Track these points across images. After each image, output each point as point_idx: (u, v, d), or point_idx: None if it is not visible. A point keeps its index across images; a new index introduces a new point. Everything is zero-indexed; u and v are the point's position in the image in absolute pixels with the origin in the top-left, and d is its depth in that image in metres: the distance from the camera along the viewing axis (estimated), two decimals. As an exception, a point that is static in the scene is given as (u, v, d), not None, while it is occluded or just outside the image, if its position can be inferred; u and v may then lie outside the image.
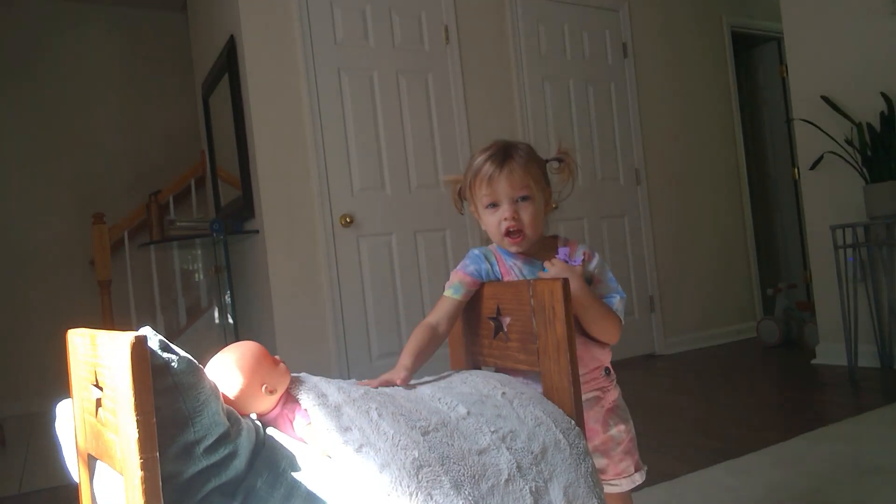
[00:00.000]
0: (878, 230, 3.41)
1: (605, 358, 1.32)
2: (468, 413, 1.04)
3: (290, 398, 1.05)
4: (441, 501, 0.89)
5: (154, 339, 0.86)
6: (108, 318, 4.07)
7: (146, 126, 5.10)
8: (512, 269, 1.30)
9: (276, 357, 1.08)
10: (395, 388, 1.14)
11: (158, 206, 4.25)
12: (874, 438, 2.31)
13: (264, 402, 1.04)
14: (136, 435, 0.75)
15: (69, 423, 1.03)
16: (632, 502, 1.35)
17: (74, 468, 1.03)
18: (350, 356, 3.44)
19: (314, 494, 0.92)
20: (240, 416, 0.97)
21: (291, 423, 1.03)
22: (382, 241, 3.60)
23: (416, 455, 0.93)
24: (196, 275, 4.85)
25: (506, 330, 1.24)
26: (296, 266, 3.39)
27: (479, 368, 1.33)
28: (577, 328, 1.24)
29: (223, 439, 0.90)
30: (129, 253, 4.43)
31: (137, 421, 0.75)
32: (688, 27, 4.86)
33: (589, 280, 1.26)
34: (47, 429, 2.71)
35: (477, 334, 1.33)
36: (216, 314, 4.47)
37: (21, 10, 4.79)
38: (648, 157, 4.56)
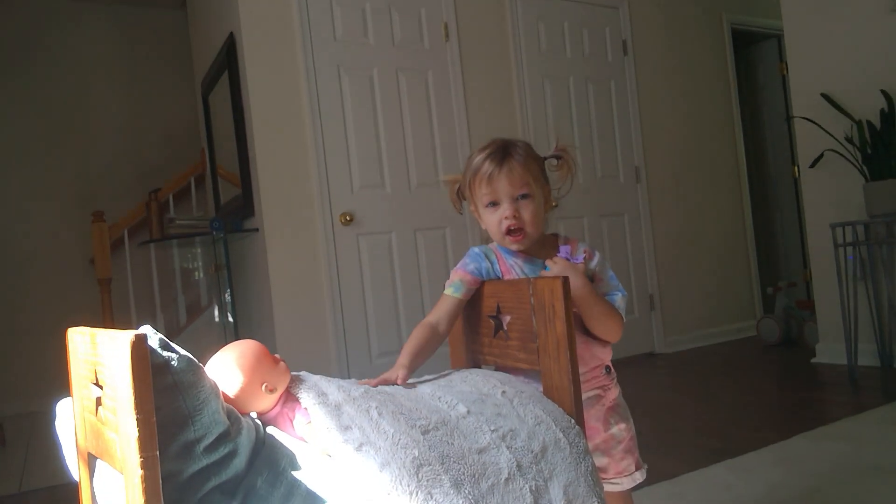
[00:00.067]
0: (879, 228, 3.41)
1: (606, 356, 1.32)
2: (468, 412, 1.04)
3: (290, 397, 1.05)
4: (441, 500, 0.89)
5: (154, 338, 0.86)
6: (108, 317, 4.07)
7: (146, 124, 5.10)
8: (513, 268, 1.30)
9: (276, 356, 1.08)
10: (396, 386, 1.14)
11: (158, 204, 4.25)
12: (874, 437, 2.31)
13: (264, 401, 1.04)
14: (137, 434, 0.75)
15: (69, 421, 1.03)
16: (632, 501, 1.36)
17: (74, 467, 1.03)
18: (350, 355, 3.44)
19: (314, 493, 0.92)
20: (240, 415, 0.97)
21: (291, 421, 1.03)
22: (382, 239, 3.60)
23: (416, 454, 0.92)
24: (196, 273, 4.85)
25: (506, 328, 1.24)
26: (296, 264, 3.39)
27: (479, 367, 1.33)
28: (577, 326, 1.24)
29: (223, 438, 0.90)
30: (128, 251, 4.43)
31: (137, 420, 0.75)
32: (688, 24, 4.85)
33: (590, 278, 1.26)
34: (47, 427, 2.71)
35: (477, 333, 1.33)
36: (216, 312, 4.46)
37: (20, 7, 4.78)
38: (648, 155, 4.56)
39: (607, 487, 1.30)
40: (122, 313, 4.32)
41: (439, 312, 1.30)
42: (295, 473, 0.94)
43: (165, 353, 0.85)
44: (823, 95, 3.52)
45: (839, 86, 3.51)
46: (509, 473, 0.97)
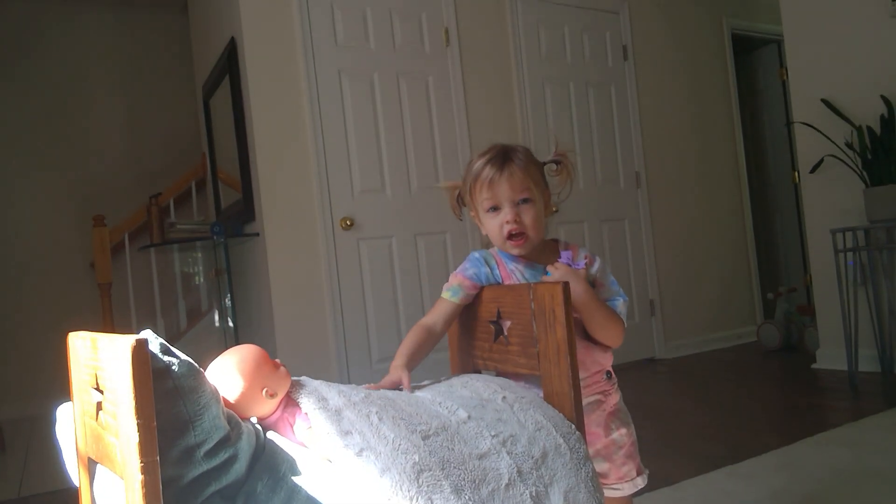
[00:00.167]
0: (879, 234, 3.41)
1: (607, 361, 1.32)
2: (469, 417, 1.04)
3: (290, 402, 1.05)
4: (442, 506, 0.89)
5: (155, 343, 0.86)
6: (109, 321, 4.07)
7: (147, 128, 5.11)
8: (513, 273, 1.30)
9: (277, 360, 1.08)
10: (396, 391, 1.14)
11: (159, 208, 4.25)
12: (875, 443, 2.30)
13: (265, 406, 1.04)
14: (137, 438, 0.75)
15: (69, 426, 1.03)
16: (633, 507, 1.35)
17: (74, 472, 1.03)
18: (350, 359, 3.44)
19: (314, 498, 0.92)
20: (240, 420, 0.97)
21: (292, 426, 1.03)
22: (383, 243, 3.60)
23: (417, 459, 0.92)
24: (196, 277, 4.85)
25: (506, 333, 1.24)
26: (296, 269, 3.39)
27: (480, 372, 1.33)
28: (578, 331, 1.24)
29: (223, 443, 0.90)
30: (129, 255, 4.43)
31: (138, 424, 0.75)
32: (688, 30, 4.86)
33: (591, 284, 1.26)
34: (47, 432, 2.70)
35: (477, 338, 1.33)
36: (216, 317, 4.46)
37: (21, 11, 4.79)
38: (649, 160, 4.57)
39: (608, 493, 1.30)
40: (123, 317, 4.32)
41: (435, 315, 1.30)
42: (295, 478, 0.93)
43: (166, 358, 0.85)
44: (823, 101, 3.52)
45: (839, 91, 3.51)
46: (510, 479, 0.96)
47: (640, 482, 1.33)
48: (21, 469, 3.09)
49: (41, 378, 4.34)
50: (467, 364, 1.37)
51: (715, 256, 4.81)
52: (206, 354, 1.15)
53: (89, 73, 4.97)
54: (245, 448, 0.93)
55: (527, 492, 0.96)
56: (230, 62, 3.55)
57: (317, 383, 1.09)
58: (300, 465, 0.95)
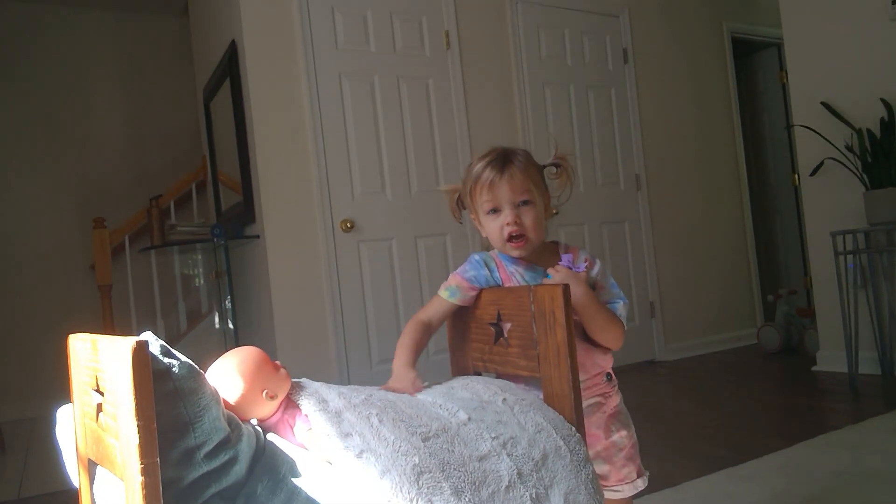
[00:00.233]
0: (879, 237, 3.41)
1: (607, 364, 1.32)
2: (469, 419, 1.04)
3: (290, 404, 1.05)
4: (442, 508, 0.89)
5: (155, 344, 0.86)
6: (109, 323, 4.07)
7: (147, 130, 5.11)
8: (513, 276, 1.30)
9: (277, 362, 1.08)
10: (398, 394, 1.14)
11: (159, 210, 4.26)
12: (875, 445, 2.30)
13: (265, 408, 1.04)
14: (137, 440, 0.75)
15: (70, 427, 1.03)
16: (633, 509, 1.35)
17: (74, 473, 1.03)
18: (350, 361, 3.44)
19: (314, 500, 0.92)
20: (240, 422, 0.97)
21: (292, 428, 1.03)
22: (383, 245, 3.60)
23: (417, 461, 0.92)
24: (196, 279, 4.85)
25: (506, 336, 1.24)
26: (296, 271, 3.39)
27: (480, 374, 1.33)
28: (578, 334, 1.25)
29: (224, 445, 0.90)
30: (129, 257, 4.43)
31: (138, 426, 0.75)
32: (688, 33, 4.87)
33: (592, 286, 1.26)
34: (47, 433, 2.71)
35: (477, 340, 1.33)
36: (217, 319, 4.46)
37: (22, 12, 4.80)
38: (649, 162, 4.57)
39: (609, 495, 1.30)
40: (123, 319, 4.32)
41: (431, 312, 1.32)
42: (295, 480, 0.93)
43: (166, 360, 0.85)
44: (823, 104, 3.52)
45: (839, 94, 3.52)
46: (510, 481, 0.96)
47: (641, 484, 1.33)
48: (21, 470, 3.09)
49: (41, 379, 4.34)
50: (467, 366, 1.37)
51: (715, 258, 4.82)
52: (206, 356, 1.16)
53: (90, 76, 4.98)
54: (245, 450, 0.93)
55: (527, 494, 0.96)
56: (231, 65, 3.56)
57: (317, 385, 1.09)
58: (300, 466, 0.95)
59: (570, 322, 1.10)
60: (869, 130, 3.31)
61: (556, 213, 3.92)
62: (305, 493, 0.92)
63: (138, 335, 0.84)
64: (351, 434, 0.96)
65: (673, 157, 4.69)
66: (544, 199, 1.30)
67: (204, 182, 4.76)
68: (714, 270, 4.80)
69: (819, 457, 2.24)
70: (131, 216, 4.65)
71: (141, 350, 0.76)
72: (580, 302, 1.21)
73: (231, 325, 3.85)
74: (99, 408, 0.88)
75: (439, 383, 1.24)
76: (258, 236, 3.43)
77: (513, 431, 1.04)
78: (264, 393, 1.03)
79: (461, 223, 1.44)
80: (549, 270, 1.25)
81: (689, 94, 4.82)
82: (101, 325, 4.10)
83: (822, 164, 3.55)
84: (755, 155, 5.69)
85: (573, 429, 1.09)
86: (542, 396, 1.16)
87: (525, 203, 1.25)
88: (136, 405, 0.75)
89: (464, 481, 0.93)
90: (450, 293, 1.31)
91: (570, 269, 1.24)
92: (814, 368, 3.71)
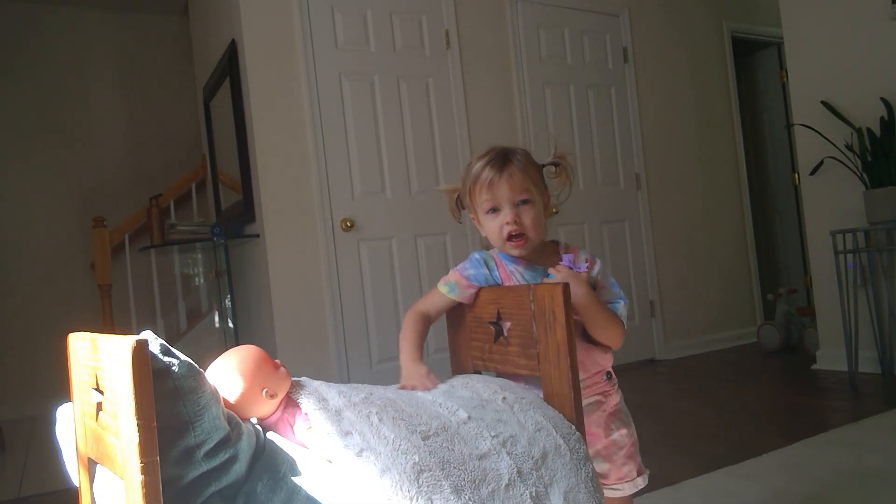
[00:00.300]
0: (879, 236, 3.41)
1: (607, 362, 1.32)
2: (469, 418, 1.04)
3: (290, 402, 1.05)
4: (441, 506, 0.89)
5: (155, 343, 0.86)
6: (109, 322, 4.07)
7: (147, 130, 5.11)
8: (513, 275, 1.30)
9: (277, 361, 1.08)
10: (398, 392, 1.14)
11: (159, 209, 4.26)
12: (875, 444, 2.30)
13: (265, 407, 1.04)
14: (137, 439, 0.75)
15: (69, 426, 1.03)
16: (633, 507, 1.35)
17: (74, 472, 1.03)
18: (350, 360, 3.44)
19: (314, 499, 0.92)
20: (240, 421, 0.97)
21: (292, 427, 1.03)
22: (383, 245, 3.60)
23: (417, 460, 0.92)
24: (196, 279, 4.85)
25: (506, 334, 1.24)
26: (296, 270, 3.39)
27: (480, 373, 1.33)
28: (578, 333, 1.25)
29: (223, 443, 0.90)
30: (129, 257, 4.43)
31: (138, 425, 0.75)
32: (688, 32, 4.87)
33: (592, 286, 1.26)
34: (47, 432, 2.70)
35: (477, 339, 1.33)
36: (216, 318, 4.46)
37: (22, 12, 4.80)
38: (649, 161, 4.57)
39: (609, 493, 1.30)
40: (123, 318, 4.32)
41: (430, 304, 1.34)
42: (295, 479, 0.93)
43: (166, 359, 0.85)
44: (823, 103, 3.52)
45: (839, 93, 3.52)
46: (510, 479, 0.96)
47: (641, 482, 1.33)
48: (21, 469, 3.09)
49: (41, 378, 4.35)
50: (467, 365, 1.37)
51: (715, 257, 4.82)
52: (206, 355, 1.16)
53: (90, 75, 4.98)
54: (245, 448, 0.93)
55: (527, 492, 0.96)
56: (230, 64, 3.56)
57: (317, 384, 1.09)
58: (300, 465, 0.95)
59: (569, 321, 1.10)
60: (869, 129, 3.31)
61: (556, 213, 3.92)
62: (305, 492, 0.92)
63: (138, 334, 0.84)
64: (351, 432, 0.96)
65: (673, 157, 4.69)
66: (544, 199, 1.30)
67: (204, 181, 4.76)
68: (714, 269, 4.80)
69: (819, 455, 2.24)
70: (131, 215, 4.65)
71: (141, 349, 0.76)
72: (581, 302, 1.21)
73: (231, 325, 3.85)
74: (99, 407, 0.88)
75: (439, 382, 1.24)
76: (258, 235, 3.43)
77: (513, 430, 1.04)
78: (264, 392, 1.03)
79: (460, 223, 1.45)
80: (550, 270, 1.25)
81: (689, 94, 4.82)
82: (101, 324, 4.10)
83: (822, 163, 3.55)
84: (755, 154, 5.69)
85: (573, 427, 1.09)
86: (541, 395, 1.16)
87: (524, 202, 1.25)
88: (136, 404, 0.75)
89: (464, 480, 0.93)
90: (448, 289, 1.32)
91: (571, 268, 1.24)
92: (814, 367, 3.72)
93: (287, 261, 3.37)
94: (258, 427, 1.03)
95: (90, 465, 0.97)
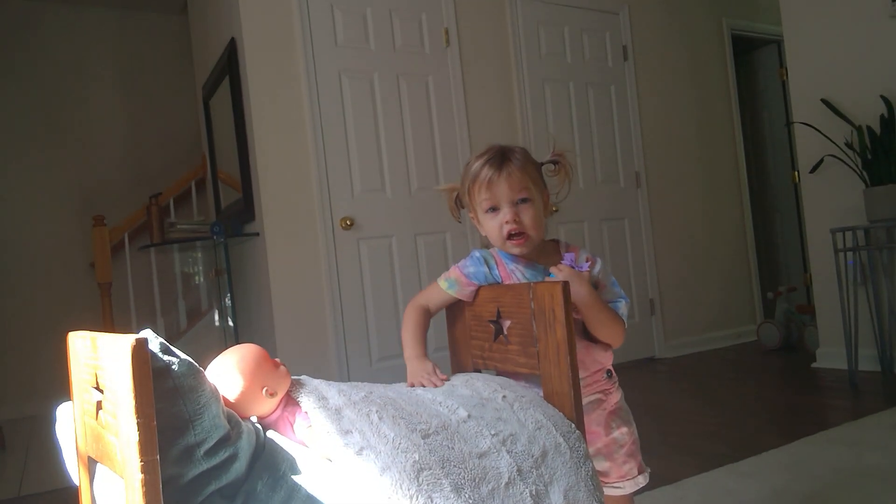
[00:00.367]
0: (879, 233, 3.41)
1: (607, 361, 1.32)
2: (469, 416, 1.04)
3: (290, 401, 1.05)
4: (442, 505, 0.89)
5: (155, 342, 0.86)
6: (109, 321, 4.07)
7: (147, 128, 5.11)
8: (513, 274, 1.30)
9: (277, 360, 1.08)
10: (397, 390, 1.14)
11: (159, 208, 4.26)
12: (875, 442, 2.30)
13: (265, 405, 1.04)
14: (137, 437, 0.75)
15: (69, 425, 1.03)
16: (633, 506, 1.35)
17: (74, 471, 1.03)
18: (350, 359, 3.44)
19: (314, 497, 0.92)
20: (240, 419, 0.97)
21: (292, 425, 1.03)
22: (383, 243, 3.60)
23: (417, 458, 0.92)
24: (196, 277, 4.85)
25: (506, 333, 1.24)
26: (296, 269, 3.39)
27: (480, 372, 1.33)
28: (578, 331, 1.25)
29: (223, 442, 0.90)
30: (129, 255, 4.43)
31: (138, 423, 0.75)
32: (688, 30, 4.86)
33: (594, 285, 1.26)
34: (47, 431, 2.71)
35: (477, 337, 1.33)
36: (216, 317, 4.46)
37: (21, 10, 4.79)
38: (649, 160, 4.57)
39: (610, 491, 1.30)
40: (123, 317, 4.32)
41: (430, 298, 1.34)
42: (295, 477, 0.93)
43: (166, 358, 0.85)
44: (823, 101, 3.52)
45: (839, 91, 3.51)
46: (510, 478, 0.96)
47: (642, 480, 1.33)
48: (21, 468, 3.09)
49: (41, 378, 4.35)
50: (467, 363, 1.37)
51: (715, 256, 4.82)
52: (205, 354, 1.16)
53: (90, 74, 4.98)
54: (245, 447, 0.93)
55: (527, 490, 0.96)
56: (230, 63, 3.55)
57: (317, 382, 1.09)
58: (300, 463, 0.95)
59: (569, 320, 1.10)
60: (869, 127, 3.31)
61: (556, 211, 3.92)
62: (305, 491, 0.92)
63: (138, 333, 0.84)
64: (351, 431, 0.96)
65: (673, 155, 4.69)
66: (543, 197, 1.30)
67: (203, 180, 4.76)
68: (714, 267, 4.80)
69: (819, 453, 2.24)
70: (131, 214, 4.65)
71: (140, 348, 0.76)
72: (584, 301, 1.21)
73: (231, 323, 3.85)
74: (99, 405, 0.88)
75: (447, 377, 1.24)
76: (258, 234, 3.43)
77: (512, 428, 1.04)
78: (264, 390, 1.03)
79: (460, 222, 1.45)
80: (552, 269, 1.24)
81: (688, 92, 4.81)
82: (101, 323, 4.10)
83: (822, 161, 3.55)
84: (755, 152, 5.68)
85: (573, 426, 1.09)
86: (542, 394, 1.16)
87: (524, 201, 1.25)
88: (136, 403, 0.75)
89: (464, 478, 0.93)
90: (448, 285, 1.32)
91: (573, 267, 1.24)
92: (814, 365, 3.72)
93: (287, 259, 3.37)
94: (258, 426, 1.03)
95: (90, 464, 0.97)
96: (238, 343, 1.15)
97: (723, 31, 5.05)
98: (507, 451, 0.99)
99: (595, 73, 4.40)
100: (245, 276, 3.81)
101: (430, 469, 0.92)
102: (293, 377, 1.09)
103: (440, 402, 1.08)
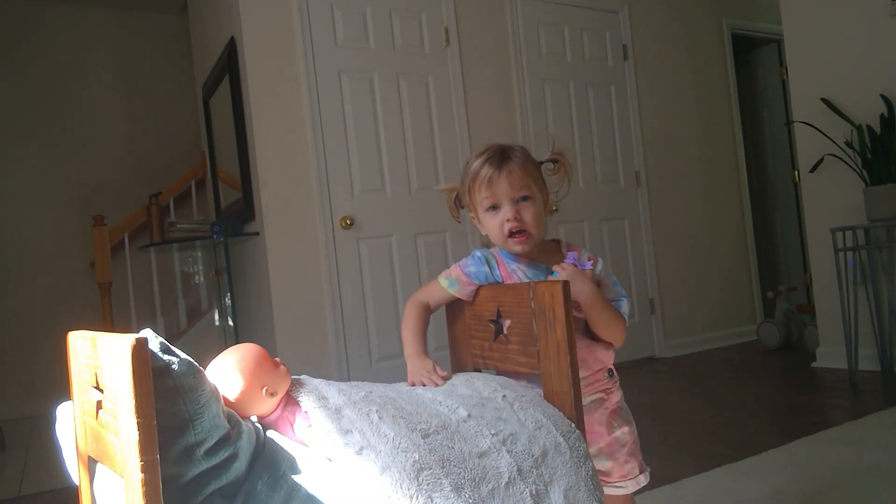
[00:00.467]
0: (879, 233, 3.41)
1: (609, 360, 1.32)
2: (469, 416, 1.04)
3: (290, 400, 1.05)
4: (442, 504, 0.89)
5: (155, 342, 0.86)
6: (109, 321, 4.07)
7: (147, 128, 5.11)
8: (514, 273, 1.30)
9: (277, 359, 1.08)
10: (397, 390, 1.14)
11: (159, 208, 4.25)
12: (875, 441, 2.30)
13: (265, 405, 1.04)
14: (137, 437, 0.75)
15: (69, 425, 1.03)
16: (633, 505, 1.35)
17: (74, 470, 1.03)
18: (350, 358, 3.44)
19: (314, 497, 0.92)
20: (240, 419, 0.97)
21: (292, 425, 1.03)
22: (383, 243, 3.60)
23: (417, 458, 0.92)
24: (196, 277, 4.85)
25: (506, 332, 1.24)
26: (296, 268, 3.39)
27: (480, 371, 1.33)
28: (579, 330, 1.24)
29: (223, 442, 0.90)
30: (129, 255, 4.43)
31: (138, 423, 0.75)
32: (688, 29, 4.86)
33: (596, 284, 1.26)
34: (47, 431, 2.71)
35: (477, 337, 1.33)
36: (216, 316, 4.46)
37: (21, 10, 4.79)
38: (649, 159, 4.56)
39: (611, 491, 1.30)
40: (123, 317, 4.32)
41: (430, 295, 1.34)
42: (295, 477, 0.93)
43: (166, 357, 0.85)
44: (823, 100, 3.52)
45: (839, 90, 3.51)
46: (510, 477, 0.96)
47: (643, 480, 1.33)
48: (21, 468, 3.09)
49: (41, 377, 4.35)
50: (467, 363, 1.37)
51: (715, 255, 4.82)
52: (205, 353, 1.16)
53: (89, 73, 4.97)
54: (245, 447, 0.93)
55: (527, 490, 0.96)
56: (230, 62, 3.55)
57: (317, 382, 1.09)
58: (300, 463, 0.95)
59: (569, 319, 1.10)
60: (869, 127, 3.31)
61: (556, 210, 3.91)
62: (305, 490, 0.92)
63: (138, 332, 0.84)
64: (351, 431, 0.96)
65: (673, 154, 4.69)
66: (543, 195, 1.29)
67: (203, 179, 4.75)
68: (714, 267, 4.80)
69: (819, 453, 2.24)
70: (131, 214, 4.65)
71: (140, 347, 0.76)
72: (588, 300, 1.21)
73: (231, 323, 3.85)
74: (99, 405, 0.88)
75: (448, 375, 1.24)
76: (258, 233, 3.43)
77: (513, 428, 1.04)
78: (264, 390, 1.03)
79: (460, 222, 1.44)
80: (555, 268, 1.24)
81: (689, 91, 4.81)
82: (101, 323, 4.10)
83: (822, 160, 3.55)
84: (755, 151, 5.68)
85: (573, 425, 1.09)
86: (542, 393, 1.16)
87: (524, 199, 1.25)
88: (136, 402, 0.75)
89: (464, 478, 0.93)
90: (449, 283, 1.32)
91: (575, 266, 1.24)
92: (813, 365, 3.72)
93: (287, 259, 3.37)
94: (258, 425, 1.03)
95: (90, 464, 0.97)
96: (238, 343, 1.15)
97: (723, 31, 5.05)
98: (508, 451, 0.99)
99: (595, 72, 4.40)
100: (245, 275, 3.81)
101: (430, 469, 0.92)
102: (293, 377, 1.09)
103: (440, 402, 1.08)
